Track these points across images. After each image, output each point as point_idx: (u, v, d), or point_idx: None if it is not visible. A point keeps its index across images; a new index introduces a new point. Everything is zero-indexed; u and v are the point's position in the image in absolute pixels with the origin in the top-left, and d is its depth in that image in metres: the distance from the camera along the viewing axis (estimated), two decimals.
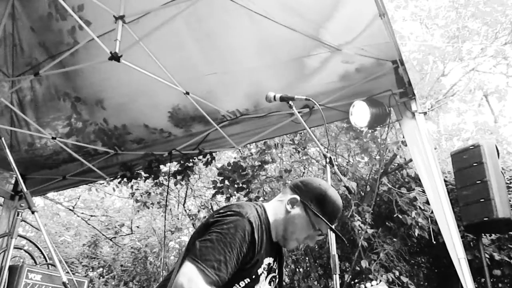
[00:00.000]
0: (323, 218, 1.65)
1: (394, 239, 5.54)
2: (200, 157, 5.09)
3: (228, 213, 1.54)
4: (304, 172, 6.57)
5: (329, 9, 3.19)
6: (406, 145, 4.71)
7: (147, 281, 8.87)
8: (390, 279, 5.13)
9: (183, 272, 1.40)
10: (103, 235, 9.89)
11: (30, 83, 4.16)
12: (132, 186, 5.75)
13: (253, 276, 1.60)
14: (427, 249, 5.78)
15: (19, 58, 3.89)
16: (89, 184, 7.96)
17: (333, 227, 1.68)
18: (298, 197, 1.69)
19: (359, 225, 5.19)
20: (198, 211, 8.40)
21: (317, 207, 1.66)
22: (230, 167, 5.71)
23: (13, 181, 5.64)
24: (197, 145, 4.86)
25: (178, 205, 9.02)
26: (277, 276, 1.77)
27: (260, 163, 5.88)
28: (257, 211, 1.63)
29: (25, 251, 5.66)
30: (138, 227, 10.20)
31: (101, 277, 9.42)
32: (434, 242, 5.16)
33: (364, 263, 5.15)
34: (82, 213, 10.32)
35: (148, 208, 6.73)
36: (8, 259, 2.68)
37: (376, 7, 2.98)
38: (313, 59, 3.67)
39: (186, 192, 8.50)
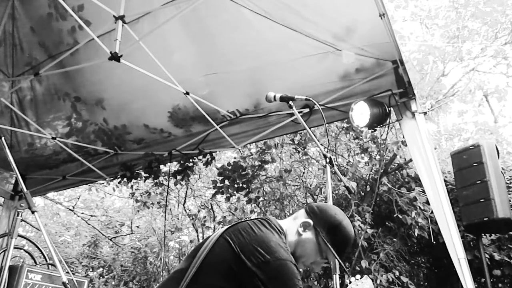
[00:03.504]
0: (331, 249, 1.63)
1: (394, 239, 5.54)
2: (200, 157, 5.09)
3: (280, 264, 1.47)
4: (304, 172, 6.57)
5: (329, 9, 3.19)
6: (406, 145, 4.71)
7: (147, 281, 8.87)
8: (390, 279, 5.13)
9: None
10: (103, 235, 9.89)
11: (30, 83, 4.16)
12: (132, 186, 5.76)
13: None
14: (427, 249, 5.78)
15: (19, 58, 3.88)
16: (89, 184, 7.96)
17: (339, 259, 1.66)
18: (311, 222, 1.67)
19: (359, 225, 5.19)
20: (198, 211, 8.40)
21: (328, 236, 1.64)
22: (230, 167, 5.71)
23: (13, 181, 5.64)
24: (197, 145, 4.86)
25: (178, 205, 9.02)
26: None
27: (260, 163, 5.88)
28: (284, 243, 1.58)
29: (25, 251, 5.66)
30: (138, 227, 10.20)
31: (101, 277, 9.42)
32: (434, 242, 5.17)
33: (364, 263, 5.15)
34: (82, 213, 10.32)
35: (148, 208, 6.74)
36: (8, 259, 2.68)
37: (376, 7, 2.98)
38: (313, 59, 3.66)
39: (186, 192, 8.50)
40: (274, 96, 2.28)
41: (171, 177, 5.55)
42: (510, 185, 5.10)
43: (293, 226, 1.70)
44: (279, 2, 3.15)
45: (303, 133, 5.99)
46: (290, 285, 1.45)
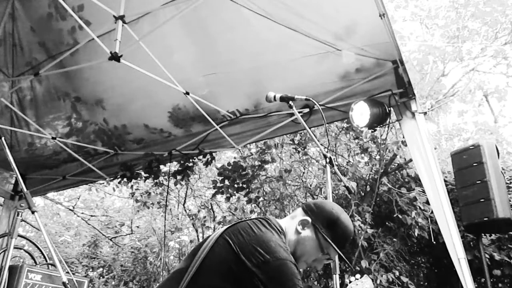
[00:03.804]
0: (332, 244, 1.62)
1: (394, 239, 5.54)
2: (200, 157, 5.09)
3: (280, 264, 1.46)
4: (304, 172, 6.57)
5: (329, 9, 3.19)
6: (406, 145, 4.71)
7: (147, 281, 8.87)
8: (390, 279, 5.13)
9: None
10: (103, 235, 9.89)
11: (30, 83, 4.16)
12: (132, 186, 5.76)
13: None
14: (427, 249, 5.78)
15: (19, 58, 3.88)
16: (89, 184, 7.96)
17: (341, 253, 1.65)
18: (309, 219, 1.66)
19: (359, 225, 5.19)
20: (198, 211, 8.40)
21: (328, 231, 1.64)
22: (230, 167, 5.71)
23: (13, 181, 5.64)
24: (197, 145, 4.86)
25: (178, 205, 9.02)
26: None
27: (260, 163, 5.88)
28: (283, 242, 1.57)
29: (25, 251, 5.66)
30: (138, 227, 10.20)
31: (101, 277, 9.42)
32: (434, 242, 5.17)
33: (364, 263, 5.15)
34: (82, 213, 10.32)
35: (148, 208, 6.74)
36: (8, 259, 2.68)
37: (376, 7, 2.98)
38: (313, 59, 3.66)
39: (186, 192, 8.50)
40: (274, 96, 2.28)
41: (171, 177, 5.55)
42: (510, 185, 5.10)
43: (292, 225, 1.69)
44: (279, 2, 3.15)
45: (303, 133, 5.99)
46: (290, 285, 1.44)
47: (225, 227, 1.60)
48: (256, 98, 4.28)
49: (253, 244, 1.48)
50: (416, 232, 5.22)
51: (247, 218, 1.64)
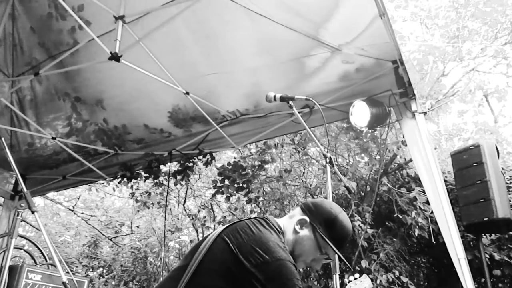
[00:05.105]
0: (330, 243, 1.61)
1: (394, 239, 5.54)
2: (200, 157, 5.09)
3: (279, 265, 1.45)
4: (304, 172, 6.57)
5: (329, 9, 3.19)
6: (406, 145, 4.71)
7: (147, 281, 8.87)
8: (390, 279, 5.14)
9: None
10: (103, 235, 9.89)
11: (30, 83, 4.16)
12: (132, 186, 5.75)
13: None
14: (427, 249, 5.78)
15: (19, 58, 3.88)
16: (89, 184, 7.96)
17: (339, 253, 1.64)
18: (307, 219, 1.65)
19: (359, 225, 5.19)
20: (198, 211, 8.40)
21: (326, 231, 1.63)
22: (230, 167, 5.71)
23: (13, 181, 5.64)
24: (197, 145, 4.86)
25: (178, 205, 9.03)
26: None
27: (260, 163, 5.88)
28: (282, 242, 1.56)
29: (25, 251, 5.66)
30: (138, 227, 10.21)
31: (101, 277, 9.42)
32: (434, 242, 5.17)
33: (364, 263, 5.15)
34: (82, 213, 10.32)
35: (148, 208, 6.74)
36: (8, 259, 2.68)
37: (376, 7, 2.98)
38: (313, 59, 3.66)
39: (186, 192, 8.51)
40: (274, 96, 2.28)
41: (171, 177, 5.55)
42: (510, 185, 5.10)
43: (290, 225, 1.68)
44: (279, 2, 3.16)
45: (303, 133, 5.99)
46: (289, 285, 1.43)
47: (224, 226, 1.60)
48: (256, 98, 4.28)
49: (251, 244, 1.47)
50: (416, 232, 5.22)
51: (246, 218, 1.63)
